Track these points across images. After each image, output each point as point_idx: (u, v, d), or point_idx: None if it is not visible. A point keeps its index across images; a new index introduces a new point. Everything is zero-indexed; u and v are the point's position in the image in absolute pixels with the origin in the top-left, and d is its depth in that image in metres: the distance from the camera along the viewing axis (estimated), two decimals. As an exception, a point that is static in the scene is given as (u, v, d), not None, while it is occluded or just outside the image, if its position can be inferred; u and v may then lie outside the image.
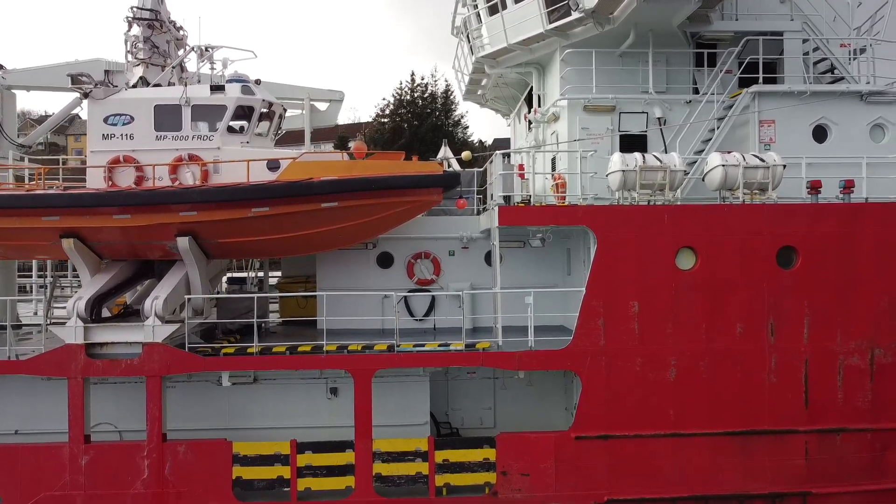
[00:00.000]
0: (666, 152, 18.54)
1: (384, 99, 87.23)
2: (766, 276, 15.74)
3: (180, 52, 18.39)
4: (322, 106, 25.60)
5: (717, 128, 18.16)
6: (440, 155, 31.97)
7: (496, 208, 16.32)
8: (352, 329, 17.93)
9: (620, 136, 18.84)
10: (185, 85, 16.68)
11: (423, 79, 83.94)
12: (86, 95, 16.64)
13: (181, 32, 19.05)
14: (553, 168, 20.56)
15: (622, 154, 16.30)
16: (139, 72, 17.59)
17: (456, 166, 31.07)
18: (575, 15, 18.35)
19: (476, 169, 20.73)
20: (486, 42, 21.82)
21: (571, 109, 18.87)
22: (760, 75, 18.25)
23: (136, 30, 17.74)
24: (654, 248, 15.70)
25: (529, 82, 22.72)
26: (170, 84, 17.55)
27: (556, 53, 20.06)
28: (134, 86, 17.37)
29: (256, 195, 15.66)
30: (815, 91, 18.16)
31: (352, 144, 26.93)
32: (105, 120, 16.61)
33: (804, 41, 19.12)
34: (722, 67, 18.74)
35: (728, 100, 18.48)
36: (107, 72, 21.66)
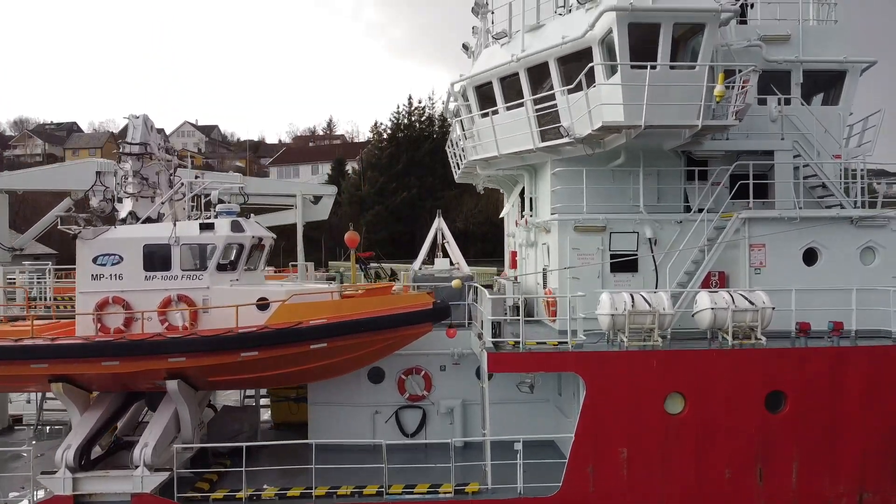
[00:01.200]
0: (657, 272, 18.69)
1: (381, 124, 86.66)
2: (755, 420, 15.75)
3: (173, 179, 18.34)
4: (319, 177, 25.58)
5: (708, 251, 18.14)
6: (434, 226, 32.04)
7: (485, 353, 16.32)
8: (342, 445, 18.03)
9: (611, 255, 18.84)
10: (175, 224, 16.66)
11: (420, 102, 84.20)
12: (75, 237, 16.62)
13: (171, 154, 19.03)
14: (545, 278, 20.57)
15: (611, 294, 16.29)
16: (129, 205, 17.56)
17: (451, 240, 31.14)
18: (566, 139, 18.33)
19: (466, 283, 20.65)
20: (479, 142, 21.82)
21: (562, 228, 18.86)
22: (751, 200, 18.26)
23: (126, 165, 17.69)
24: (642, 393, 15.70)
25: (522, 183, 22.71)
26: (160, 216, 17.55)
27: (548, 164, 20.05)
28: (123, 220, 17.34)
29: (245, 344, 15.67)
30: (806, 217, 18.15)
31: (346, 235, 26.90)
32: (94, 260, 16.60)
33: (795, 156, 19.07)
34: (713, 190, 18.75)
35: (720, 219, 18.45)
36: (98, 173, 21.78)
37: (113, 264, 16.56)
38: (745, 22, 21.52)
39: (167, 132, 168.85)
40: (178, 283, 16.53)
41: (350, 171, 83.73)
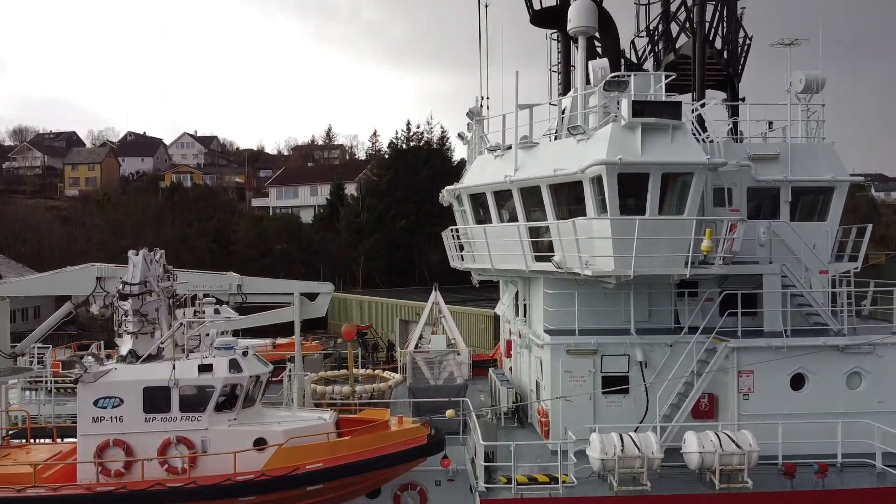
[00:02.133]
0: (647, 396, 19.05)
1: (381, 151, 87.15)
2: (741, 564, 16.13)
3: (171, 317, 18.66)
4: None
5: (697, 378, 18.48)
6: (431, 300, 32.38)
7: (477, 496, 16.69)
8: None
9: (603, 377, 19.20)
10: (174, 367, 16.99)
11: (418, 127, 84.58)
12: (76, 382, 16.96)
13: (170, 276, 19.31)
14: (538, 389, 20.94)
15: (601, 436, 16.64)
16: (129, 343, 17.89)
17: (447, 315, 31.41)
18: (558, 270, 18.70)
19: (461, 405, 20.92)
20: (473, 251, 22.19)
21: (554, 351, 19.20)
22: (739, 327, 18.62)
23: (125, 304, 18.01)
24: (631, 540, 16.08)
25: (516, 288, 23.08)
26: (160, 351, 17.88)
27: (541, 280, 20.42)
28: (123, 358, 17.65)
29: (243, 492, 16.05)
30: (794, 346, 18.50)
31: (343, 327, 27.20)
32: (95, 403, 16.92)
33: (783, 276, 19.41)
34: (704, 312, 19.09)
35: (710, 342, 18.78)
36: (99, 279, 22.13)
37: (113, 406, 16.89)
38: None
39: (167, 143, 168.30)
40: (177, 425, 16.87)
41: (349, 198, 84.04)
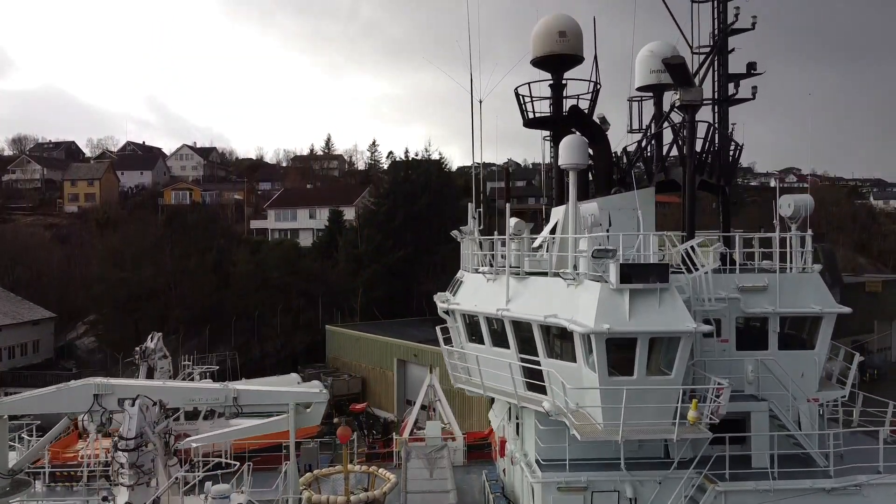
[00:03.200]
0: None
1: (379, 163, 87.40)
2: None
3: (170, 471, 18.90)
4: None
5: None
6: (425, 384, 32.72)
7: None
8: None
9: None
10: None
11: (416, 154, 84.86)
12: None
13: (167, 414, 19.54)
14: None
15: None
16: (125, 495, 18.14)
17: (443, 399, 31.66)
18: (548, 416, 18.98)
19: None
20: (465, 374, 22.51)
21: (545, 487, 19.46)
22: (727, 470, 18.88)
23: (121, 457, 18.23)
24: None
25: (508, 404, 23.32)
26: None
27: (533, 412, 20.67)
28: (120, 511, 17.93)
29: None
30: (781, 489, 18.75)
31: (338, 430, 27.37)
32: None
33: (771, 415, 19.65)
34: (694, 445, 19.33)
35: (700, 480, 19.02)
36: (96, 395, 22.36)
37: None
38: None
39: (167, 153, 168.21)
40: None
41: (347, 225, 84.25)
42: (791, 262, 20.76)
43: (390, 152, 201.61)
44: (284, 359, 69.47)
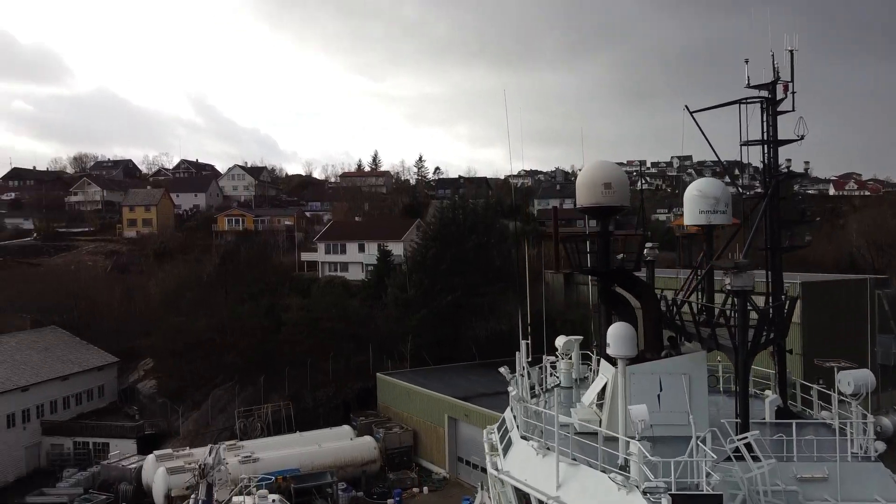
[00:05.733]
0: None
1: (426, 178, 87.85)
2: None
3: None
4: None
5: None
6: (477, 501, 32.79)
7: None
8: None
9: None
10: None
11: (464, 173, 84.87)
12: None
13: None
14: None
15: None
16: None
17: None
18: None
19: None
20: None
21: None
22: None
23: None
24: None
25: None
26: None
27: None
28: None
29: None
30: None
31: None
32: None
33: None
34: None
35: None
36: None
37: None
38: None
39: (220, 171, 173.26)
40: None
41: (397, 267, 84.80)
42: (852, 448, 20.11)
43: (436, 168, 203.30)
44: (337, 406, 70.54)
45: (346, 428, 64.03)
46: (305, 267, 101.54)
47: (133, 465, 58.05)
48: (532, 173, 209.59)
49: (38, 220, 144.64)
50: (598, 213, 24.06)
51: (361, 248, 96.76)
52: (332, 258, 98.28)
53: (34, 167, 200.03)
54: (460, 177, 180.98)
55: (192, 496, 34.40)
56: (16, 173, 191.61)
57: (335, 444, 60.00)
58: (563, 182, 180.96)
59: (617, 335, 20.05)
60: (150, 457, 56.59)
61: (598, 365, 26.45)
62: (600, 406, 23.45)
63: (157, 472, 53.06)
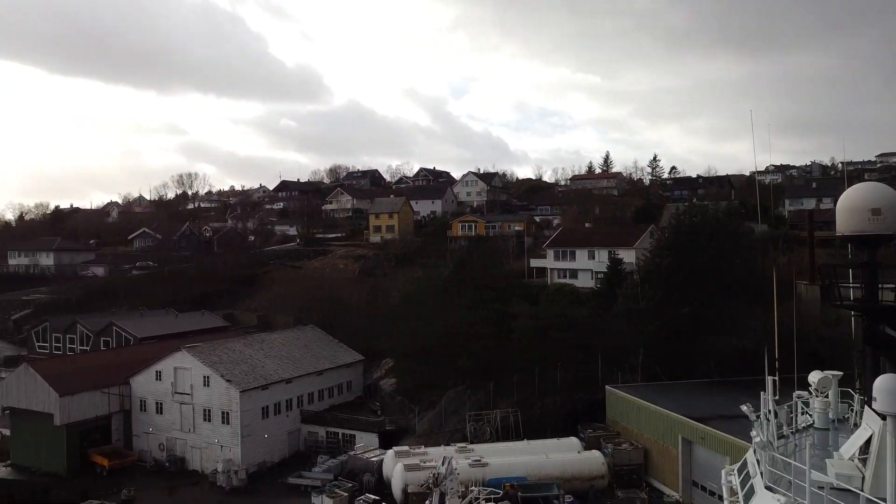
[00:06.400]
0: None
1: (660, 178, 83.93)
2: None
3: None
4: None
5: None
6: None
7: None
8: None
9: None
10: None
11: (703, 173, 79.71)
12: None
13: None
14: None
15: None
16: None
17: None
18: None
19: None
20: None
21: None
22: None
23: None
24: None
25: None
26: None
27: None
28: None
29: None
30: None
31: None
32: None
33: None
34: None
35: None
36: None
37: None
38: None
39: (455, 177, 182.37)
40: None
41: (626, 269, 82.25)
42: None
43: (672, 167, 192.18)
44: (565, 416, 70.01)
45: (574, 440, 63.32)
46: (534, 273, 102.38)
47: (375, 458, 62.71)
48: (782, 168, 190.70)
49: (300, 226, 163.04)
50: (864, 243, 20.99)
51: (591, 255, 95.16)
52: (560, 265, 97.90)
53: (298, 179, 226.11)
54: (699, 176, 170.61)
55: (427, 501, 36.12)
56: (284, 185, 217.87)
57: (562, 455, 59.57)
58: (819, 178, 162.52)
59: (886, 389, 17.25)
60: (390, 452, 60.70)
61: (861, 407, 23.20)
62: (863, 461, 20.44)
63: (395, 467, 56.69)
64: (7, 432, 75.16)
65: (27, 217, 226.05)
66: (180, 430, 70.22)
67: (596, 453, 60.33)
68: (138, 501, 61.74)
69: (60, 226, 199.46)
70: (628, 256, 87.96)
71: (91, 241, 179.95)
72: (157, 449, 71.22)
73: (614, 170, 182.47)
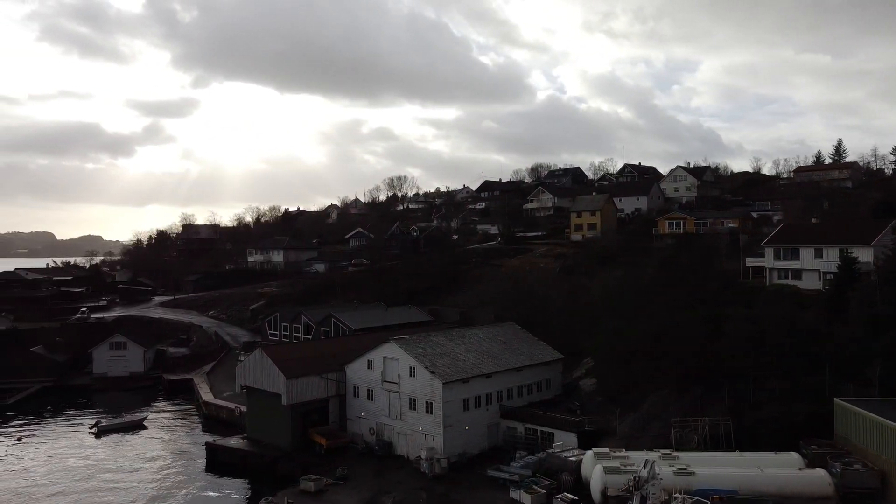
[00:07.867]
0: None
1: None
2: None
3: None
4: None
5: None
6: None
7: None
8: None
9: None
10: None
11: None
12: None
13: None
14: None
15: None
16: None
17: None
18: None
19: None
20: None
21: None
22: None
23: None
24: None
25: None
26: None
27: None
28: None
29: None
30: None
31: None
32: None
33: None
34: None
35: None
36: None
37: None
38: None
39: (662, 172, 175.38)
40: None
41: (862, 270, 72.96)
42: None
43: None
44: (782, 429, 63.68)
45: (795, 455, 57.42)
46: (750, 273, 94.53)
47: (573, 458, 61.57)
48: None
49: (501, 225, 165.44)
50: None
51: (818, 254, 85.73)
52: (781, 264, 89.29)
53: (500, 179, 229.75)
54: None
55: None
56: (486, 185, 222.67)
57: (780, 471, 54.29)
58: None
59: None
60: (589, 453, 59.24)
61: None
62: None
63: (594, 468, 55.19)
64: (244, 409, 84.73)
65: (262, 219, 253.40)
66: (388, 416, 74.29)
67: (821, 472, 54.06)
68: (351, 480, 66.27)
69: (288, 227, 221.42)
70: (864, 255, 78.00)
71: (314, 241, 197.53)
72: (368, 433, 75.97)
73: (848, 159, 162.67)
